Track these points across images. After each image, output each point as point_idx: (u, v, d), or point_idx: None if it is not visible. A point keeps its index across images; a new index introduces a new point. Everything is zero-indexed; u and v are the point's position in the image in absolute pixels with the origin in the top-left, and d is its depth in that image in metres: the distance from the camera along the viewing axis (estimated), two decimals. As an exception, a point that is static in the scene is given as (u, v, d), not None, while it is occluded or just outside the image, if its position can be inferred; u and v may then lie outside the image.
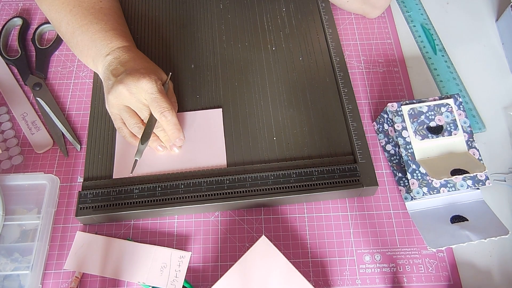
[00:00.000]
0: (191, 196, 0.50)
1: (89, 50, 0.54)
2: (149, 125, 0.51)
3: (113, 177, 0.52)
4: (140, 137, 0.51)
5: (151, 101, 0.49)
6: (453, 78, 0.61)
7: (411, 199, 0.52)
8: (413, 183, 0.50)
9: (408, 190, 0.52)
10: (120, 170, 0.53)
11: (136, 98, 0.50)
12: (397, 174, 0.54)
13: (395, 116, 0.52)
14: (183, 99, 0.58)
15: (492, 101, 0.61)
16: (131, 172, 0.52)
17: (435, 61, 0.63)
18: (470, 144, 0.51)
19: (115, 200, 0.50)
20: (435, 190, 0.49)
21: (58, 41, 0.65)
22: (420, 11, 0.68)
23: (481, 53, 0.65)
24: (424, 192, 0.49)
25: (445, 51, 0.64)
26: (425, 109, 0.51)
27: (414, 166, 0.50)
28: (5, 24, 0.65)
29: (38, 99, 0.59)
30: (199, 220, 0.52)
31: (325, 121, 0.55)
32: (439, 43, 0.65)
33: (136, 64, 0.52)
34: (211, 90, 0.58)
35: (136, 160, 0.52)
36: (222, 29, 0.63)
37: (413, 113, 0.51)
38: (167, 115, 0.49)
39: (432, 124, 0.51)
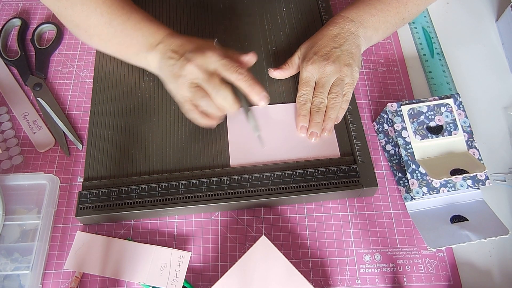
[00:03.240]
0: (191, 196, 0.50)
1: (133, 39, 0.52)
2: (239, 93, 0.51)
3: (231, 166, 0.53)
4: (216, 115, 0.51)
5: (222, 66, 0.49)
6: (447, 83, 0.61)
7: (411, 199, 0.52)
8: (413, 183, 0.50)
9: (408, 190, 0.52)
10: (237, 157, 0.53)
11: (206, 70, 0.48)
12: (397, 174, 0.55)
13: (395, 116, 0.52)
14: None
15: (492, 101, 0.61)
16: (263, 146, 0.53)
17: (431, 64, 0.63)
18: (470, 144, 0.51)
19: (115, 200, 0.50)
20: (435, 190, 0.49)
21: (57, 41, 0.64)
22: (423, 13, 0.68)
23: (481, 53, 0.65)
24: (424, 192, 0.49)
25: (443, 54, 0.64)
26: (424, 109, 0.51)
27: (414, 166, 0.50)
28: (4, 25, 0.65)
29: (39, 99, 0.59)
30: (199, 220, 0.53)
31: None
32: (438, 47, 0.64)
33: (194, 44, 0.50)
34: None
35: (259, 135, 0.53)
36: (222, 29, 0.63)
37: (412, 113, 0.51)
38: (241, 71, 0.49)
39: (432, 124, 0.51)
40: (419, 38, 0.66)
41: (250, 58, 0.53)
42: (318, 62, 0.54)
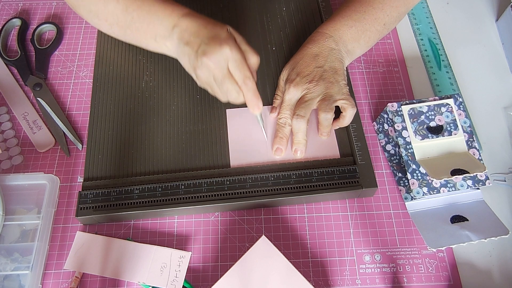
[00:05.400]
0: (192, 196, 0.50)
1: (149, 24, 0.50)
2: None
3: (231, 166, 0.53)
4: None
5: (235, 69, 0.47)
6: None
7: (411, 199, 0.52)
8: (413, 183, 0.50)
9: (408, 190, 0.52)
10: (237, 158, 0.53)
11: (221, 69, 0.47)
12: (397, 174, 0.54)
13: (395, 116, 0.52)
14: (184, 99, 0.58)
15: (492, 101, 0.61)
16: (263, 128, 0.53)
17: (438, 77, 0.62)
18: (470, 144, 0.51)
19: (115, 201, 0.50)
20: (435, 190, 0.49)
21: (57, 41, 0.64)
22: (430, 25, 0.67)
23: (481, 53, 0.65)
24: (424, 192, 0.49)
25: (451, 67, 0.63)
26: (425, 109, 0.51)
27: (414, 166, 0.50)
28: (4, 25, 0.65)
29: (39, 99, 0.59)
30: (199, 220, 0.53)
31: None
32: (444, 59, 0.64)
33: (210, 31, 0.47)
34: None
35: (259, 115, 0.52)
36: (222, 29, 0.63)
37: (413, 113, 0.51)
38: (248, 83, 0.47)
39: (432, 124, 0.51)
40: (426, 50, 0.65)
41: (256, 62, 0.51)
42: (302, 83, 0.53)
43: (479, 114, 0.60)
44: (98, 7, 0.51)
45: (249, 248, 0.47)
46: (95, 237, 0.51)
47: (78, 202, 0.50)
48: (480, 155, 0.50)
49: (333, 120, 0.53)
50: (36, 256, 0.48)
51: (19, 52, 0.63)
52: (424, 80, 0.63)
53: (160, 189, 0.51)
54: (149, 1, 0.50)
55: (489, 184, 0.50)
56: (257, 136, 0.55)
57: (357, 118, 0.55)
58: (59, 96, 0.61)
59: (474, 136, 0.51)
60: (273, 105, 0.56)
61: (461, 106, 0.52)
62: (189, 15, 0.49)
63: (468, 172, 0.47)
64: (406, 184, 0.53)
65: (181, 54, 0.49)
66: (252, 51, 0.49)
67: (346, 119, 0.53)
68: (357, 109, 0.56)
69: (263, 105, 0.56)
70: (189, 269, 0.50)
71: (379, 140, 0.58)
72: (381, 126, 0.56)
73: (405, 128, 0.51)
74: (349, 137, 0.55)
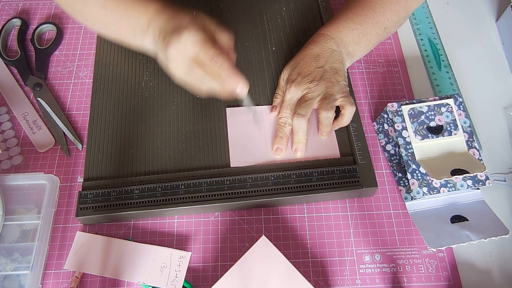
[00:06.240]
0: (192, 196, 0.50)
1: (128, 22, 0.49)
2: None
3: (231, 166, 0.52)
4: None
5: (199, 51, 0.45)
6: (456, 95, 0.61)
7: (411, 199, 0.52)
8: (413, 183, 0.50)
9: (408, 190, 0.52)
10: (237, 158, 0.53)
11: (184, 54, 0.45)
12: (397, 174, 0.54)
13: (395, 116, 0.52)
14: (184, 99, 0.58)
15: (492, 101, 0.61)
16: (256, 122, 0.53)
17: (438, 77, 0.62)
18: (470, 144, 0.51)
19: (115, 201, 0.50)
20: (435, 190, 0.49)
21: (57, 41, 0.64)
22: (430, 25, 0.67)
23: (481, 53, 0.65)
24: (424, 192, 0.49)
25: (451, 67, 0.63)
26: (425, 109, 0.51)
27: (414, 166, 0.50)
28: (4, 25, 0.65)
29: (39, 99, 0.59)
30: (199, 220, 0.52)
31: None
32: (444, 59, 0.64)
33: (173, 23, 0.47)
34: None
35: (252, 108, 0.51)
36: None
37: (413, 113, 0.51)
38: (217, 60, 0.45)
39: (432, 124, 0.51)
40: (426, 50, 0.65)
41: (228, 39, 0.49)
42: (303, 83, 0.53)
43: (479, 114, 0.60)
44: (79, 5, 0.51)
45: (249, 248, 0.47)
46: (95, 237, 0.51)
47: (78, 202, 0.50)
48: (480, 155, 0.50)
49: (333, 119, 0.53)
50: (36, 256, 0.48)
51: (19, 52, 0.63)
52: (424, 80, 0.63)
53: (160, 189, 0.51)
54: None
55: (489, 184, 0.50)
56: (257, 135, 0.55)
57: (357, 117, 0.55)
58: (59, 96, 0.61)
59: (474, 136, 0.51)
60: (273, 104, 0.56)
61: (461, 106, 0.52)
62: (161, 9, 0.48)
63: (468, 172, 0.47)
64: (406, 184, 0.53)
65: (157, 51, 0.49)
66: (222, 29, 0.47)
67: (345, 117, 0.53)
68: (357, 109, 0.56)
69: (263, 105, 0.57)
70: (189, 269, 0.50)
71: (379, 140, 0.58)
72: (381, 126, 0.56)
73: (405, 128, 0.51)
74: (349, 137, 0.55)
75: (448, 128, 0.51)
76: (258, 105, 0.57)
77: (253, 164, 0.53)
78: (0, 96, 0.61)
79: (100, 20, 0.52)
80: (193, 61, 0.45)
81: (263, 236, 0.48)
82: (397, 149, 0.55)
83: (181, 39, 0.44)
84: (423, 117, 0.51)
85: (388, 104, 0.52)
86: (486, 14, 0.69)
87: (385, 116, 0.54)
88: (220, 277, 0.46)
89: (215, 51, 0.45)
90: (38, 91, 0.60)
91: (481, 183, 0.50)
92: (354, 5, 0.56)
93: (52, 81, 0.62)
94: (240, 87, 0.46)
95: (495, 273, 0.50)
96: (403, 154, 0.50)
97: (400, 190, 0.54)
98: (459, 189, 0.50)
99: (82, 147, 0.57)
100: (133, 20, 0.49)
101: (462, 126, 0.51)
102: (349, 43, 0.55)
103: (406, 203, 0.52)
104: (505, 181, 0.55)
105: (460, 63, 0.64)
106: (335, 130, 0.55)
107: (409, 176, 0.50)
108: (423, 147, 0.51)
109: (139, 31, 0.49)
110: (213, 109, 0.57)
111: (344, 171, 0.51)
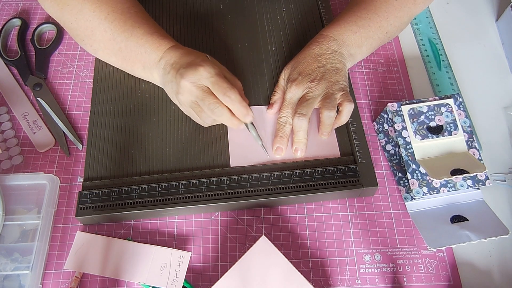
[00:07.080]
0: (191, 196, 0.50)
1: (137, 55, 0.53)
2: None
3: (231, 166, 0.53)
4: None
5: (212, 85, 0.48)
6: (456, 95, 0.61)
7: (411, 199, 0.52)
8: (413, 183, 0.50)
9: (408, 190, 0.52)
10: (237, 157, 0.53)
11: (199, 87, 0.49)
12: (397, 174, 0.54)
13: (395, 116, 0.52)
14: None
15: (492, 101, 0.61)
16: (268, 155, 0.53)
17: (438, 77, 0.62)
18: (470, 144, 0.51)
19: (115, 201, 0.50)
20: (435, 190, 0.49)
21: (57, 41, 0.65)
22: (430, 25, 0.67)
23: (481, 53, 0.65)
24: (424, 192, 0.49)
25: (451, 67, 0.63)
26: (425, 109, 0.51)
27: (414, 166, 0.50)
28: (4, 25, 0.65)
29: (39, 99, 0.59)
30: (199, 220, 0.53)
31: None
32: (444, 59, 0.64)
33: (189, 58, 0.50)
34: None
35: (262, 145, 0.53)
36: (222, 29, 0.63)
37: (413, 113, 0.51)
38: (230, 94, 0.48)
39: (432, 124, 0.51)
40: (426, 50, 0.65)
41: (238, 82, 0.53)
42: (304, 82, 0.53)
43: (479, 114, 0.60)
44: (85, 33, 0.54)
45: (249, 248, 0.47)
46: (95, 237, 0.51)
47: (78, 202, 0.50)
48: (480, 155, 0.50)
49: None
50: (36, 256, 0.48)
51: (19, 52, 0.63)
52: (424, 80, 0.63)
53: (160, 189, 0.51)
54: (138, 33, 0.52)
55: (489, 184, 0.50)
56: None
57: (357, 117, 0.55)
58: (59, 96, 0.61)
59: (474, 136, 0.51)
60: (271, 101, 0.56)
61: (461, 106, 0.52)
62: (174, 48, 0.52)
63: (468, 172, 0.47)
64: (406, 184, 0.53)
65: (165, 82, 0.52)
66: (234, 77, 0.53)
67: (344, 114, 0.53)
68: (357, 109, 0.56)
69: (263, 105, 0.57)
70: (189, 269, 0.50)
71: (379, 140, 0.58)
72: (381, 126, 0.56)
73: (405, 128, 0.51)
74: (349, 136, 0.55)
75: (448, 128, 0.51)
76: (258, 105, 0.57)
77: (253, 164, 0.53)
78: (0, 96, 0.61)
79: (107, 49, 0.55)
80: (205, 91, 0.49)
81: (263, 236, 0.48)
82: (397, 149, 0.55)
83: (197, 72, 0.48)
84: (423, 117, 0.51)
85: (388, 104, 0.52)
86: (486, 14, 0.69)
87: (385, 116, 0.54)
88: (220, 277, 0.46)
89: (229, 86, 0.49)
90: (38, 91, 0.60)
91: (481, 183, 0.50)
92: (358, 8, 0.56)
93: (52, 81, 0.62)
94: (246, 118, 0.51)
95: (495, 273, 0.50)
96: (403, 154, 0.50)
97: (400, 190, 0.54)
98: (459, 189, 0.50)
99: (82, 147, 0.57)
100: (144, 56, 0.53)
101: (462, 126, 0.51)
102: (351, 45, 0.55)
103: (406, 203, 0.52)
104: (505, 181, 0.55)
105: (460, 63, 0.64)
106: (335, 130, 0.55)
107: (409, 176, 0.50)
108: (423, 147, 0.51)
109: (148, 66, 0.53)
110: (213, 109, 0.57)
111: (344, 171, 0.51)
